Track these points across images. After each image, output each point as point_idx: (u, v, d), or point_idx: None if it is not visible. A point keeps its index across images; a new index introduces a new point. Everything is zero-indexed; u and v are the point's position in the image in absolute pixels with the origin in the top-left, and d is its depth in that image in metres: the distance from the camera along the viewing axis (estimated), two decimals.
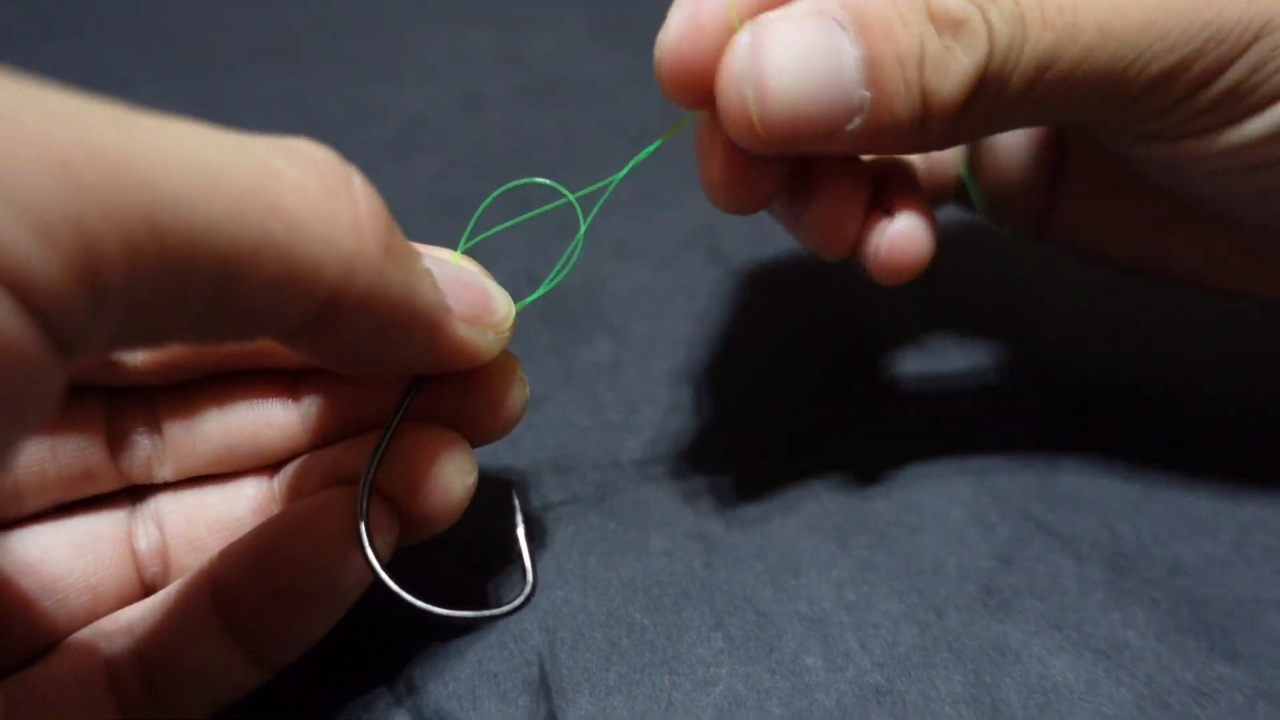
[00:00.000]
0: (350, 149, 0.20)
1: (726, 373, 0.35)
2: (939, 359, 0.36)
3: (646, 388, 0.34)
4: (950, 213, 0.37)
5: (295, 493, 0.24)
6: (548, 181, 0.25)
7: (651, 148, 0.25)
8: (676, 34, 0.23)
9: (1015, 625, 0.26)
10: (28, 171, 0.13)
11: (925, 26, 0.22)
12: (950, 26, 0.22)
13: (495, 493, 0.27)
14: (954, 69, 0.22)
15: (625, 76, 0.51)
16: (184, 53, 0.56)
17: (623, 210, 0.43)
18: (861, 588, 0.27)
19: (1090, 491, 0.30)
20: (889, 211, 0.26)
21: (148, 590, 0.24)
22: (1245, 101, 0.23)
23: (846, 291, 0.39)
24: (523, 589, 0.23)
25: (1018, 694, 0.25)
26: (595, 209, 0.25)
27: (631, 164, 0.25)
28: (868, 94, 0.22)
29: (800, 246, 0.39)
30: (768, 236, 0.41)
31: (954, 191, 0.33)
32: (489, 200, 0.26)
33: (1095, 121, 0.25)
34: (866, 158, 0.28)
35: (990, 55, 0.22)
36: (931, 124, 0.23)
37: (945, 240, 0.42)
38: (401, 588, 0.21)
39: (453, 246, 0.25)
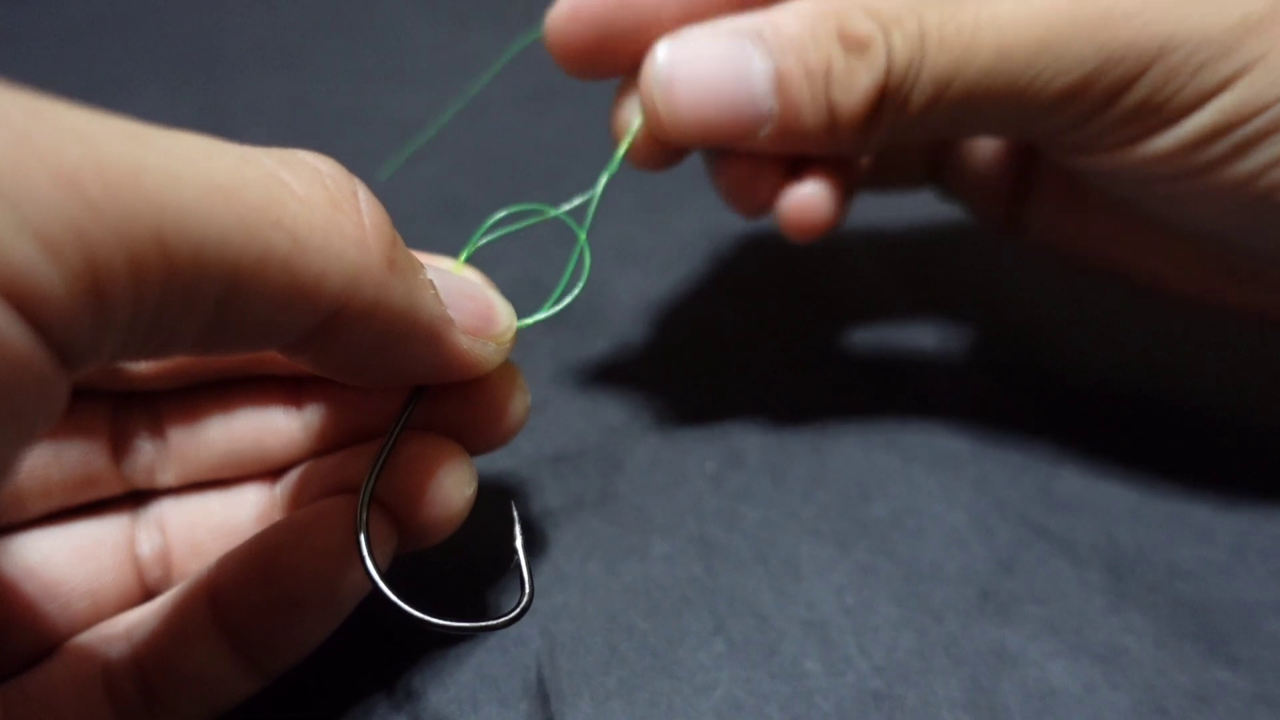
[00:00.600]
0: (350, 152, 0.20)
1: (727, 377, 0.35)
2: (943, 367, 0.36)
3: (647, 392, 0.34)
4: (950, 213, 0.37)
5: (297, 500, 0.24)
6: (541, 206, 0.27)
7: (620, 153, 0.28)
8: (564, 10, 0.26)
9: (1014, 630, 0.26)
10: (36, 186, 0.13)
11: (834, 46, 0.25)
12: (856, 47, 0.25)
13: (494, 501, 0.27)
14: (856, 85, 0.25)
15: None
16: (186, 57, 0.56)
17: (623, 215, 0.43)
18: (861, 592, 0.27)
19: (1089, 497, 0.30)
20: (800, 177, 0.29)
21: (149, 595, 0.24)
22: (1159, 115, 0.24)
23: (852, 299, 0.39)
24: (520, 599, 0.22)
25: (1016, 699, 0.25)
26: (586, 224, 0.27)
27: (606, 177, 0.27)
28: (776, 105, 0.25)
29: (803, 252, 0.40)
30: (770, 242, 0.41)
31: (918, 178, 0.35)
32: (489, 223, 0.26)
33: (1018, 132, 0.28)
34: None
35: (889, 73, 0.25)
36: (841, 132, 0.26)
37: (948, 244, 0.42)
38: (399, 596, 0.21)
39: (453, 251, 0.25)
